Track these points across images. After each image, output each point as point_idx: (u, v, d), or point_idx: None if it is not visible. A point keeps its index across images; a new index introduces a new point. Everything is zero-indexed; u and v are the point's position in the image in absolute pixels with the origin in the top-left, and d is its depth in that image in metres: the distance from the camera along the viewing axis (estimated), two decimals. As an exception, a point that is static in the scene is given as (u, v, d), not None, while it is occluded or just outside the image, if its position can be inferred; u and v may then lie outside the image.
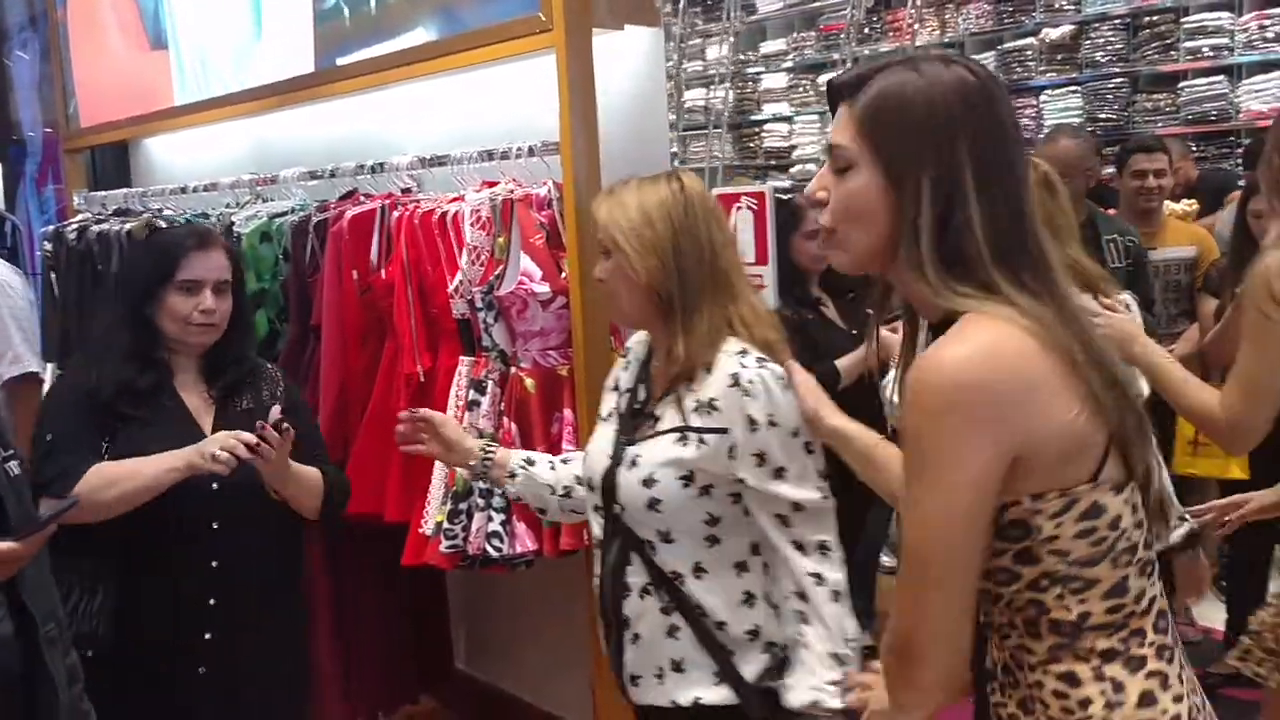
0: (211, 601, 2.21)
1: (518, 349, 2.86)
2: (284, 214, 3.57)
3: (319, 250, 3.34)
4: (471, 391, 2.89)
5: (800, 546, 1.80)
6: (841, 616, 1.80)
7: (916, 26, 7.56)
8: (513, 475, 2.12)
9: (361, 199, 3.37)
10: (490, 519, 2.76)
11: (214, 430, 2.23)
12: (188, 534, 2.20)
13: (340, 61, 3.51)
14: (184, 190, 4.28)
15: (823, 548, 1.80)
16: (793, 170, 8.18)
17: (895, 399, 1.38)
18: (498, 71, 3.08)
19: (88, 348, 2.44)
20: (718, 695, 1.85)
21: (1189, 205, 4.74)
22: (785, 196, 3.08)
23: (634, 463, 1.87)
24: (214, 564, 2.20)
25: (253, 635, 2.26)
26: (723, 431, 1.80)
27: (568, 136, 2.75)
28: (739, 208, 2.57)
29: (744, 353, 1.82)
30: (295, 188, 3.73)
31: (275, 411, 2.14)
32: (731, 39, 8.45)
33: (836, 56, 8.04)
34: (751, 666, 1.86)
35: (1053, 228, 2.44)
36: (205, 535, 2.20)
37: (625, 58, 2.89)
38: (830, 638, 1.79)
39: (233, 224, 3.63)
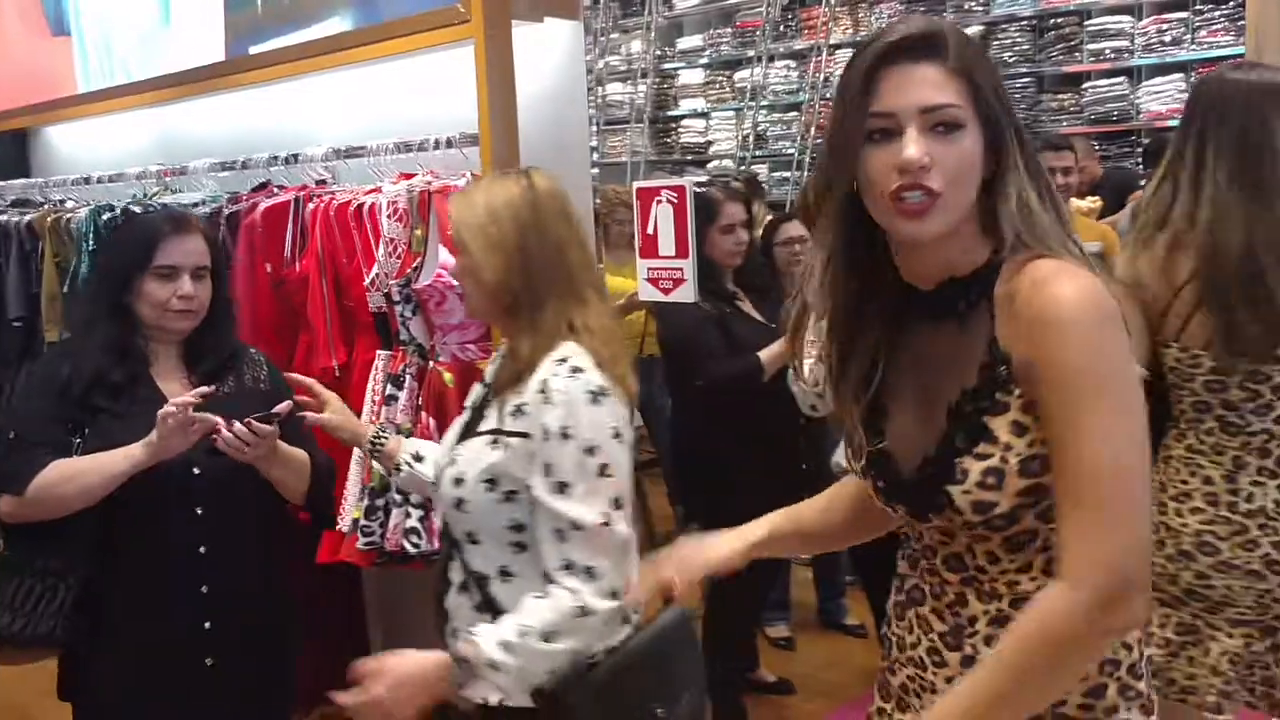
0: (202, 550, 2.14)
1: (436, 342, 2.84)
2: (194, 205, 3.49)
3: (231, 243, 3.27)
4: (389, 386, 2.86)
5: (568, 566, 1.72)
6: (549, 649, 1.70)
7: (830, 25, 7.65)
8: (398, 468, 2.09)
9: (275, 191, 3.31)
10: (408, 515, 2.73)
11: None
12: (171, 523, 2.13)
13: (253, 50, 3.45)
14: (87, 181, 4.16)
15: (589, 572, 1.71)
16: (709, 165, 8.23)
17: (807, 388, 1.42)
18: (415, 62, 3.05)
19: (63, 341, 2.34)
20: (521, 696, 1.78)
21: (1093, 202, 4.87)
22: (698, 191, 3.09)
23: (453, 461, 1.86)
24: (202, 549, 2.14)
25: (246, 627, 2.19)
26: (525, 436, 1.76)
27: (486, 129, 2.74)
28: (659, 201, 2.58)
29: (564, 360, 1.76)
30: (205, 179, 3.65)
31: (284, 407, 2.06)
32: (652, 34, 8.48)
33: (751, 53, 8.11)
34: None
35: None
36: (189, 521, 2.13)
37: (545, 50, 2.88)
38: (524, 627, 1.70)
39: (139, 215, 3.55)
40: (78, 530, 2.09)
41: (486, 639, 1.71)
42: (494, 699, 1.80)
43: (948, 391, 1.29)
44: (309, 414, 2.10)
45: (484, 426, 1.83)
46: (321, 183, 3.26)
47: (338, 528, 2.81)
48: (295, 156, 3.30)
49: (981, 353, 1.26)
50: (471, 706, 1.83)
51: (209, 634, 2.12)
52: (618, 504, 1.73)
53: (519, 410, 1.76)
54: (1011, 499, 1.23)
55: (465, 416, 1.95)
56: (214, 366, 2.20)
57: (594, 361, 1.77)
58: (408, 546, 2.71)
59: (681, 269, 2.56)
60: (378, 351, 2.92)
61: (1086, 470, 1.17)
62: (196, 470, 2.11)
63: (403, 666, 1.72)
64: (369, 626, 3.57)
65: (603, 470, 1.72)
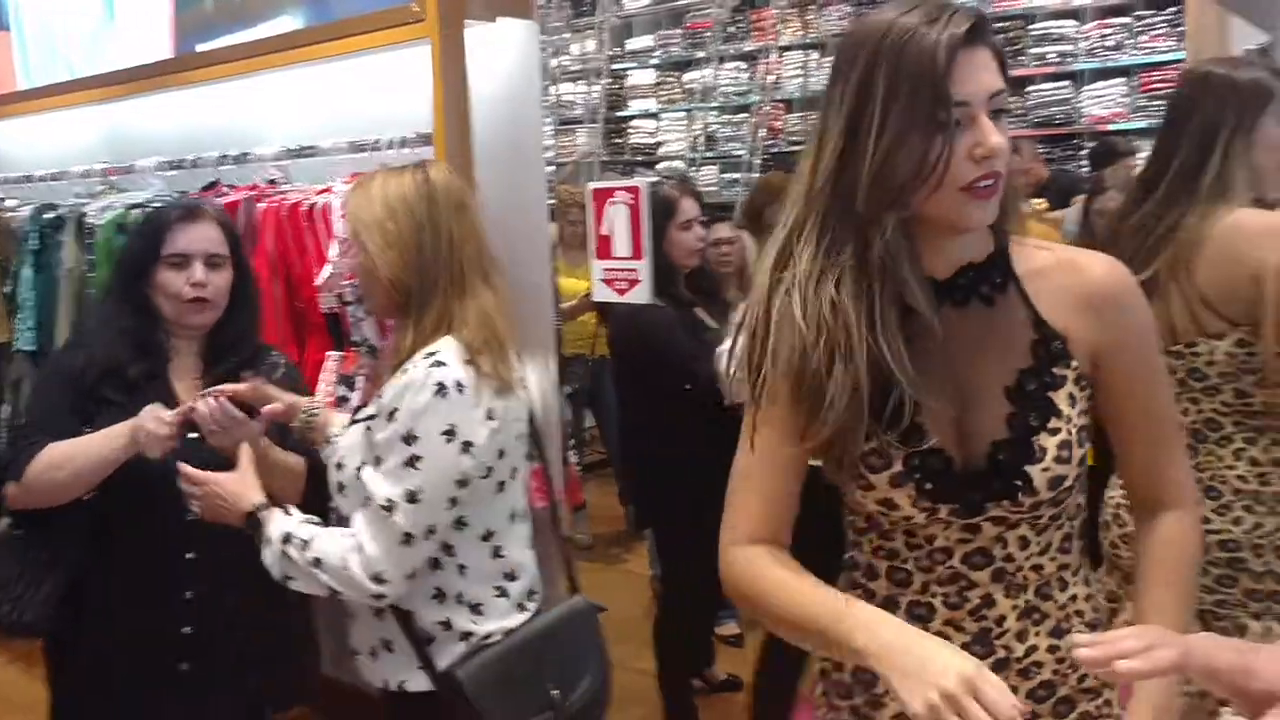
0: (190, 556, 2.09)
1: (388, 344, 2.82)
2: (141, 205, 3.44)
3: (179, 242, 3.23)
4: (341, 387, 2.84)
5: (354, 534, 1.79)
6: (307, 563, 1.79)
7: (780, 27, 7.70)
8: (329, 440, 2.04)
9: (225, 190, 3.27)
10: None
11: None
12: (161, 527, 2.08)
13: (201, 48, 3.41)
14: (28, 179, 4.08)
15: (359, 548, 1.77)
16: (659, 166, 8.25)
17: (734, 374, 1.38)
18: (368, 61, 3.03)
19: (83, 331, 2.28)
20: (419, 681, 1.87)
21: (1038, 204, 4.96)
22: (652, 189, 3.09)
23: (335, 448, 1.91)
24: (189, 556, 2.09)
25: (235, 627, 2.13)
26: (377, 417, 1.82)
27: (441, 128, 2.73)
28: (613, 202, 2.58)
29: (433, 354, 1.79)
30: (153, 178, 3.60)
31: (272, 410, 1.99)
32: (604, 35, 8.49)
33: (702, 54, 8.15)
34: (448, 656, 1.86)
35: None
36: (180, 527, 2.06)
37: (499, 50, 2.87)
38: (309, 542, 1.80)
39: (85, 214, 3.49)
40: (68, 523, 2.06)
41: (284, 521, 1.84)
42: (394, 684, 1.88)
43: (997, 374, 1.29)
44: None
45: (363, 415, 1.89)
46: (272, 182, 3.22)
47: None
48: (245, 155, 3.26)
49: (1028, 331, 1.30)
50: (375, 691, 1.92)
51: (187, 639, 2.09)
52: (411, 497, 1.75)
53: (379, 395, 1.83)
54: (1075, 469, 1.29)
55: (356, 408, 2.03)
56: (231, 368, 2.11)
57: (464, 357, 1.79)
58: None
59: (637, 270, 2.57)
60: (329, 353, 2.90)
61: (1166, 413, 1.39)
62: (190, 517, 2.03)
63: (226, 482, 1.87)
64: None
65: (411, 461, 1.75)
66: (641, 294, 2.60)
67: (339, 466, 1.89)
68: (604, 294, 2.64)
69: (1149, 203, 2.11)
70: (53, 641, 2.18)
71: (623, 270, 2.60)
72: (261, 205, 3.03)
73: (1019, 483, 1.27)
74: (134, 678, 2.10)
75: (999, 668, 1.29)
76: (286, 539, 1.81)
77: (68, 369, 2.11)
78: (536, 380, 2.73)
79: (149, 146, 3.72)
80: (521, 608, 1.93)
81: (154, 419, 1.95)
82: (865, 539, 1.38)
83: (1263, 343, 2.00)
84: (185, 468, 1.91)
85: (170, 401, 2.05)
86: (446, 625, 1.87)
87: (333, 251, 2.84)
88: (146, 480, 2.03)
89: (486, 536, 1.89)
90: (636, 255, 2.57)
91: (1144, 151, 5.68)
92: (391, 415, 1.76)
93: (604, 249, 2.61)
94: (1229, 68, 2.12)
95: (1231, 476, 2.06)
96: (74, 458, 2.00)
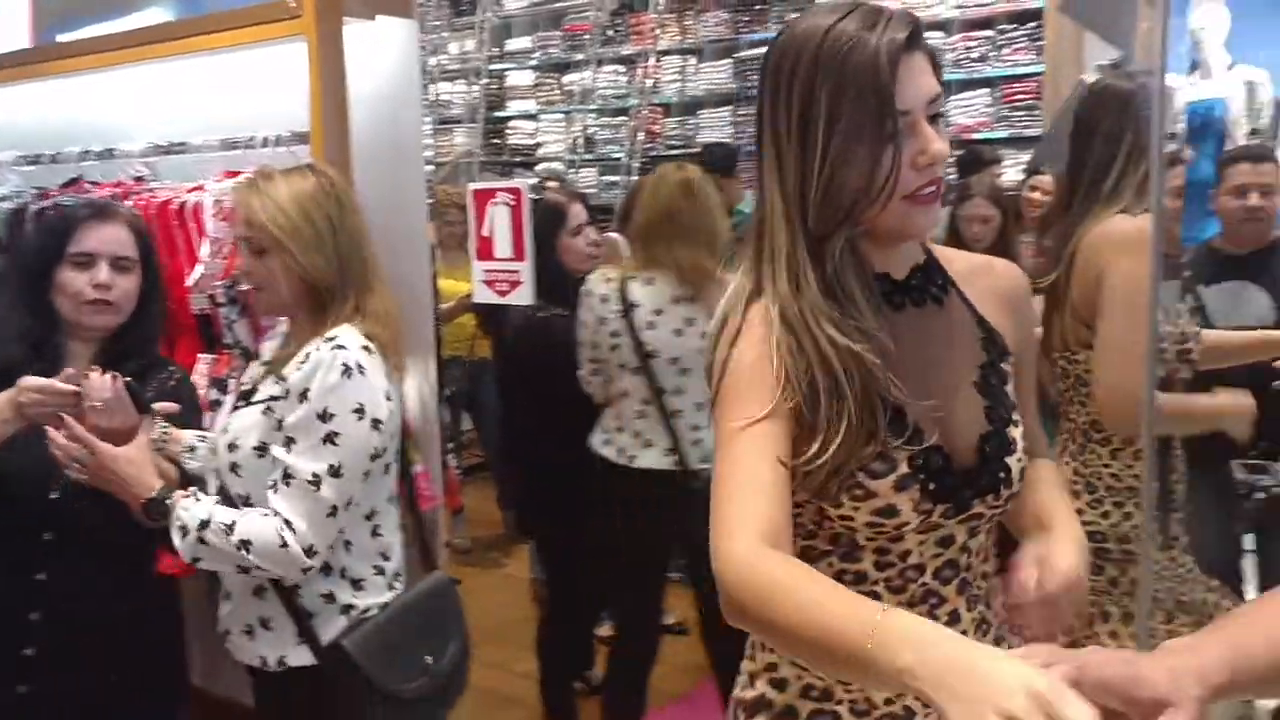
0: (40, 577, 1.99)
1: (262, 345, 2.75)
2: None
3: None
4: (213, 390, 2.76)
5: (277, 512, 1.83)
6: (232, 546, 1.81)
7: (658, 31, 7.75)
8: (191, 449, 2.06)
9: (87, 186, 3.15)
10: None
11: None
12: (16, 543, 1.99)
13: (62, 38, 3.28)
14: None
15: (289, 524, 1.82)
16: (538, 168, 8.23)
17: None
18: (241, 57, 2.95)
19: None
20: (300, 656, 1.94)
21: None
22: (536, 197, 3.09)
23: (227, 429, 1.96)
24: (40, 576, 1.99)
25: (74, 658, 2.03)
26: (282, 399, 1.87)
27: (318, 127, 2.68)
28: (495, 203, 2.57)
29: (333, 338, 1.87)
30: (9, 173, 3.45)
31: (166, 407, 1.95)
32: (484, 35, 8.43)
33: (580, 56, 8.16)
34: (331, 629, 1.94)
35: (689, 229, 2.64)
36: (37, 547, 1.98)
37: (378, 48, 2.83)
38: (232, 526, 1.82)
39: (-66, 210, 3.32)
40: None
41: (198, 507, 1.84)
42: (273, 660, 1.94)
43: (963, 371, 1.30)
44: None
45: (258, 398, 1.93)
46: (140, 179, 3.12)
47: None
48: (110, 151, 3.15)
49: (975, 329, 1.33)
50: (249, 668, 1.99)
51: (27, 660, 2.00)
52: (334, 472, 1.83)
53: (282, 378, 1.88)
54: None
55: (241, 392, 2.05)
56: (128, 375, 2.00)
57: (363, 343, 1.89)
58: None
59: (519, 271, 2.56)
60: (200, 355, 2.82)
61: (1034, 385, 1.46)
62: (55, 495, 1.98)
63: (123, 458, 1.82)
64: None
65: (329, 438, 1.83)
66: (523, 295, 2.59)
67: (230, 448, 1.91)
68: (485, 295, 2.63)
69: (1067, 214, 2.22)
70: None
71: (504, 272, 2.59)
72: (129, 202, 2.93)
73: (1002, 475, 1.28)
74: None
75: None
76: (204, 525, 1.82)
77: None
78: (416, 383, 2.71)
79: (4, 140, 3.56)
80: (391, 587, 2.03)
81: (31, 385, 1.87)
82: (823, 564, 1.28)
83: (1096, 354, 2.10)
84: (74, 425, 1.82)
85: None
86: (330, 599, 1.94)
87: (204, 251, 2.77)
88: (5, 498, 1.96)
89: (370, 515, 1.98)
90: (518, 257, 2.56)
91: (1009, 160, 5.93)
92: (303, 395, 1.82)
93: (485, 250, 2.60)
94: (1129, 81, 2.22)
95: (1106, 474, 2.18)
96: None
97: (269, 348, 2.08)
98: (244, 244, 1.95)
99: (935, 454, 1.23)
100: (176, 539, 1.84)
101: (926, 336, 1.28)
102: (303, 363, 1.85)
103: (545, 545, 3.53)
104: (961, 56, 6.74)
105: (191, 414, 2.18)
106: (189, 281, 2.78)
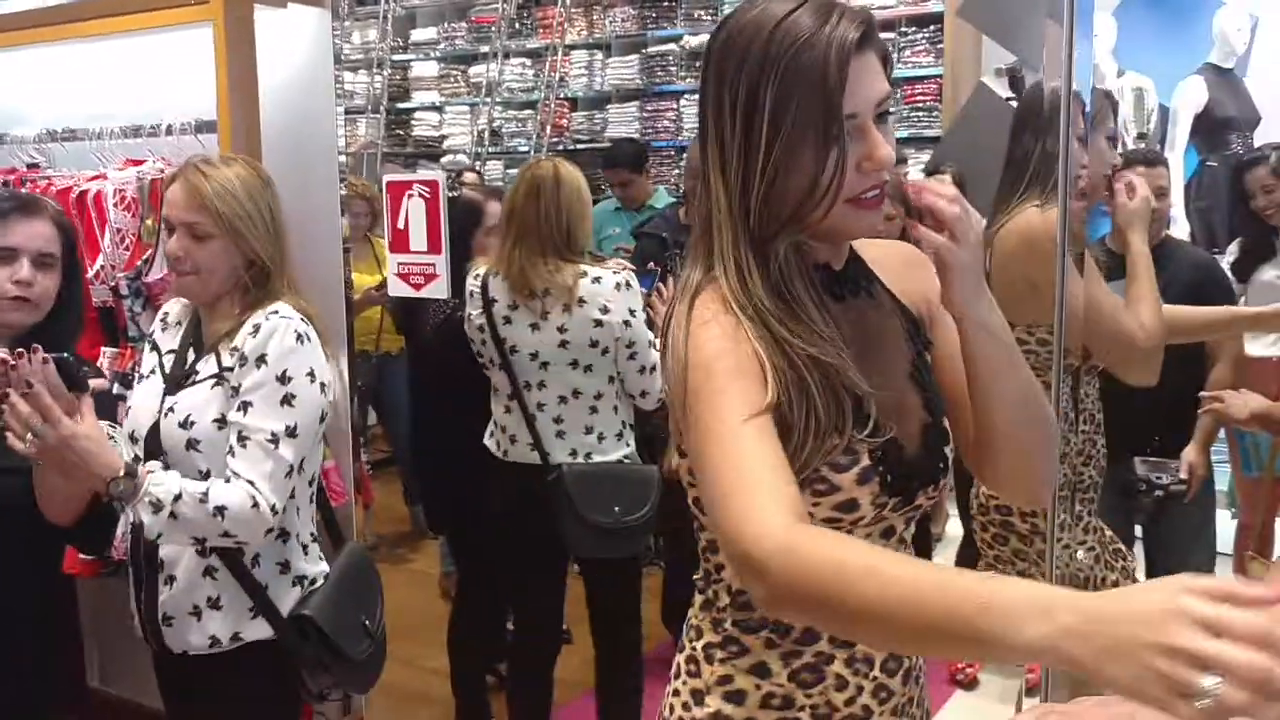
0: None
1: (168, 339, 2.69)
2: (-121, 186, 3.15)
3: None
4: (116, 385, 2.68)
5: (237, 473, 1.87)
6: (206, 514, 1.84)
7: (565, 25, 7.74)
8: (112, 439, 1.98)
9: (-24, 172, 3.04)
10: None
11: None
12: None
13: (-49, 17, 3.14)
14: None
15: (251, 483, 1.87)
16: (443, 160, 8.15)
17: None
18: (143, 42, 2.87)
19: None
20: (256, 630, 1.98)
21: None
22: (454, 194, 3.06)
23: (173, 409, 1.95)
24: None
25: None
26: (236, 368, 1.92)
27: (226, 116, 2.62)
28: (410, 195, 2.54)
29: (275, 311, 1.94)
30: (-111, 157, 3.30)
31: (99, 383, 1.87)
32: (388, 25, 8.31)
33: (485, 49, 8.09)
34: (285, 601, 2.00)
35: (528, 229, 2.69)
36: None
37: (289, 37, 2.78)
38: (204, 495, 1.84)
39: None
40: None
41: (169, 481, 1.83)
42: (226, 637, 1.95)
43: (898, 361, 1.27)
44: None
45: (202, 375, 1.95)
46: (34, 166, 3.02)
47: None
48: (3, 137, 3.04)
49: (899, 318, 1.30)
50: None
51: None
52: (291, 432, 1.89)
53: (234, 350, 1.92)
54: None
55: (157, 381, 2.02)
56: None
57: (300, 316, 1.96)
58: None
59: (434, 264, 2.54)
60: (103, 349, 2.74)
61: None
62: None
63: (85, 433, 1.74)
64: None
65: (286, 399, 1.89)
66: (439, 289, 2.57)
67: (184, 425, 1.91)
68: (400, 289, 2.60)
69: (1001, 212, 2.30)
70: None
71: (419, 265, 2.56)
72: (23, 190, 2.83)
73: (941, 465, 1.27)
74: None
75: (906, 679, 1.30)
76: (178, 498, 1.82)
77: None
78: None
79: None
80: (321, 558, 2.10)
81: None
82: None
83: None
84: (43, 393, 1.70)
85: None
86: (285, 568, 2.01)
87: (106, 241, 2.69)
88: None
89: (311, 481, 2.05)
90: (434, 250, 2.54)
91: (912, 159, 6.05)
92: (261, 360, 1.88)
93: (400, 243, 2.57)
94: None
95: None
96: None
97: (164, 338, 2.07)
98: (183, 229, 1.94)
99: (893, 445, 1.20)
100: (145, 515, 1.81)
101: (865, 328, 1.25)
102: (252, 333, 1.90)
103: (458, 540, 3.51)
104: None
105: (109, 409, 2.10)
106: (90, 273, 2.69)
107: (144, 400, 2.01)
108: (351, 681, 2.13)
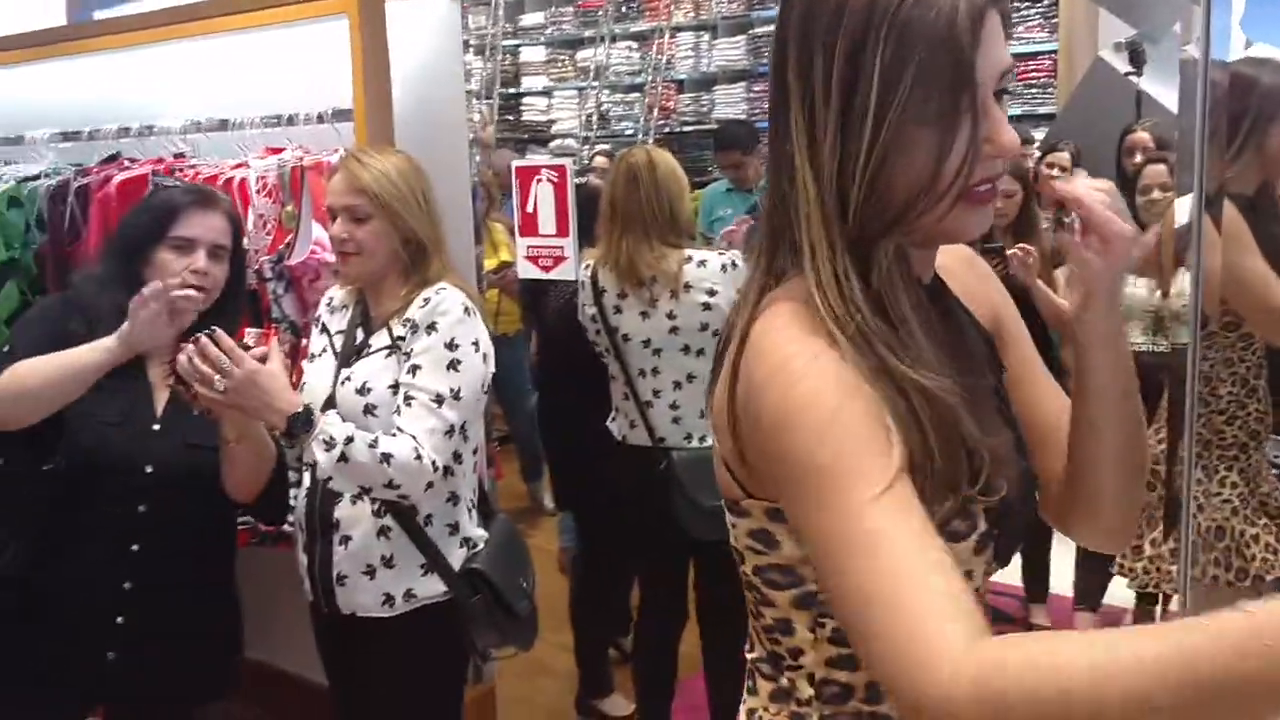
0: (135, 548, 2.05)
1: (309, 320, 2.80)
2: (35, 178, 3.33)
3: (80, 217, 3.14)
4: (259, 364, 2.80)
5: (401, 429, 1.99)
6: (374, 460, 1.95)
7: (671, 7, 7.76)
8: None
9: (126, 163, 3.19)
10: (295, 494, 2.70)
11: (165, 408, 2.08)
12: (114, 515, 2.05)
13: (99, 15, 3.30)
14: (-95, 148, 3.90)
15: (415, 438, 1.98)
16: (552, 145, 8.26)
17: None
18: (281, 34, 2.98)
19: (71, 292, 2.21)
20: (427, 586, 2.10)
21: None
22: (580, 181, 3.10)
23: (349, 379, 2.09)
24: (135, 548, 2.05)
25: (174, 592, 2.10)
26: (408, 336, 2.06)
27: (360, 104, 2.71)
28: (539, 179, 2.61)
29: (443, 288, 2.08)
30: (45, 149, 3.48)
31: (259, 350, 1.95)
32: (499, 10, 8.44)
33: (592, 33, 8.17)
34: (453, 560, 2.14)
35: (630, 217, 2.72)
36: (133, 519, 2.05)
37: (420, 25, 2.87)
38: (375, 440, 1.96)
39: (-27, 187, 3.36)
40: (27, 494, 2.02)
41: (342, 424, 1.97)
42: (399, 593, 2.07)
43: (988, 394, 1.03)
44: None
45: (375, 348, 2.10)
46: (179, 155, 3.16)
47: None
48: (150, 129, 3.18)
49: (981, 341, 1.08)
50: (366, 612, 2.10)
51: (119, 628, 2.06)
52: (455, 394, 2.01)
53: (407, 321, 2.05)
54: None
55: (328, 359, 2.17)
56: None
57: (465, 293, 2.10)
58: (286, 526, 2.67)
59: (563, 247, 2.61)
60: (247, 330, 2.85)
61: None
62: (149, 469, 2.05)
63: (265, 373, 1.90)
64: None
65: (452, 364, 2.02)
66: (566, 271, 2.64)
67: (361, 391, 2.05)
68: (529, 271, 2.67)
69: None
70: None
71: (548, 247, 2.63)
72: (171, 179, 2.97)
73: (1033, 512, 1.08)
74: (65, 664, 2.07)
75: None
76: (349, 440, 1.95)
77: (57, 325, 2.07)
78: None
79: (40, 117, 3.59)
80: (480, 524, 2.23)
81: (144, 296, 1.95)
82: (825, 644, 1.01)
83: None
84: (223, 336, 1.87)
85: (142, 382, 2.08)
86: (454, 529, 2.14)
87: (249, 226, 2.81)
88: (103, 470, 2.03)
89: (475, 450, 2.18)
90: (562, 233, 2.60)
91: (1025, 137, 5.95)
92: (431, 327, 2.02)
93: (529, 226, 2.64)
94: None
95: None
96: (50, 365, 1.97)
97: (333, 320, 2.22)
98: (345, 212, 2.09)
99: (1007, 506, 0.97)
100: (319, 452, 1.94)
101: (956, 355, 0.98)
102: (422, 304, 2.05)
103: (579, 518, 3.59)
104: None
105: None
106: (245, 258, 2.81)
107: (318, 377, 2.15)
108: (517, 637, 2.24)
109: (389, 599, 2.09)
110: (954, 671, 0.74)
